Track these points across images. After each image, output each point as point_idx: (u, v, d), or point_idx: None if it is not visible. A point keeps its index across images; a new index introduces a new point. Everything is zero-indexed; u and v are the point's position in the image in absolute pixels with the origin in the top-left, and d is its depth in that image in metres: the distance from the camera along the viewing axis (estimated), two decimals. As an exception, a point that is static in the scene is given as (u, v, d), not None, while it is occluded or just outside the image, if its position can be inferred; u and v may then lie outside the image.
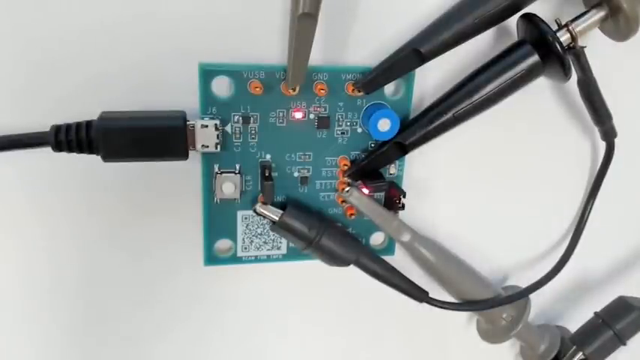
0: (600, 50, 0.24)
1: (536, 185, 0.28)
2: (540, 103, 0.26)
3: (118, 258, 0.24)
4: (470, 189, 0.27)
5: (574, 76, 0.24)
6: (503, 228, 0.28)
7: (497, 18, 0.22)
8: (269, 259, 0.25)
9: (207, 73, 0.21)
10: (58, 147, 0.20)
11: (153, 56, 0.21)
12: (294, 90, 0.22)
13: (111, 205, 0.23)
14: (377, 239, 0.26)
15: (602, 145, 0.27)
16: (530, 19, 0.22)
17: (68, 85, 0.21)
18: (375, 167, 0.24)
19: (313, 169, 0.24)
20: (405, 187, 0.25)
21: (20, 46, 0.20)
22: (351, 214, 0.24)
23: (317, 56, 0.22)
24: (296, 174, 0.24)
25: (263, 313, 0.27)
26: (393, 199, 0.24)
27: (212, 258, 0.24)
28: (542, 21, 0.22)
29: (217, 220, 0.23)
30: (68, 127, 0.20)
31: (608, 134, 0.26)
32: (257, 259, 0.25)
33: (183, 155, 0.21)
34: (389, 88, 0.23)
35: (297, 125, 0.23)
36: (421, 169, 0.26)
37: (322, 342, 0.28)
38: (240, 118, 0.22)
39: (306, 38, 0.19)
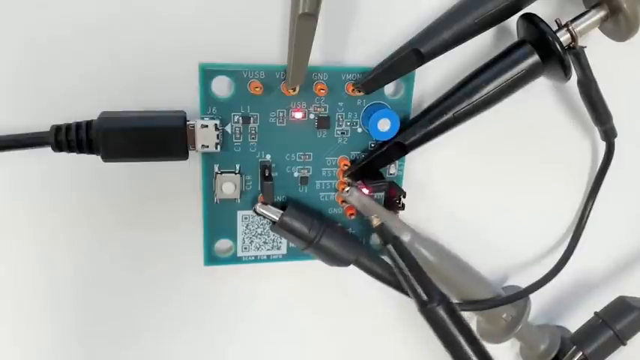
0: (600, 50, 0.24)
1: (536, 185, 0.28)
2: (540, 103, 0.26)
3: (118, 258, 0.24)
4: (470, 189, 0.27)
5: (574, 76, 0.24)
6: (503, 228, 0.28)
7: (497, 18, 0.22)
8: (269, 259, 0.25)
9: (207, 73, 0.21)
10: (58, 147, 0.20)
11: (153, 56, 0.21)
12: (294, 90, 0.22)
13: (111, 205, 0.23)
14: (377, 239, 0.26)
15: (602, 145, 0.27)
16: (530, 19, 0.22)
17: (68, 85, 0.21)
18: (375, 167, 0.24)
19: (313, 169, 0.24)
20: (405, 187, 0.25)
21: (20, 46, 0.20)
22: (351, 214, 0.24)
23: (317, 56, 0.22)
24: (296, 174, 0.24)
25: (263, 313, 0.27)
26: (393, 199, 0.24)
27: (212, 258, 0.24)
28: (542, 21, 0.22)
29: (217, 220, 0.23)
30: (68, 127, 0.20)
31: (608, 134, 0.26)
32: (257, 259, 0.25)
33: (184, 155, 0.21)
34: (389, 88, 0.23)
35: (297, 125, 0.23)
36: (421, 169, 0.26)
37: (322, 342, 0.28)
38: (240, 118, 0.22)
39: (306, 38, 0.19)
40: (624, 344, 0.27)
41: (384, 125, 0.22)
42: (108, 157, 0.20)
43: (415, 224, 0.26)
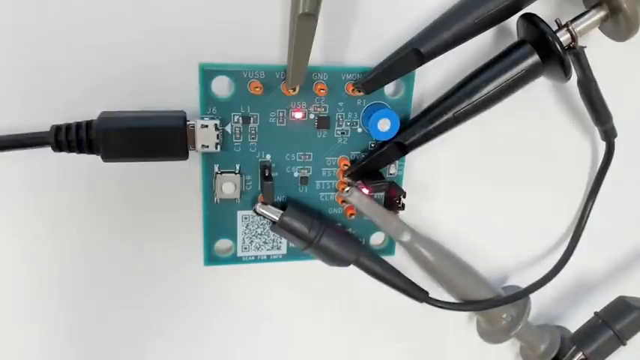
0: (600, 50, 0.24)
1: (536, 185, 0.28)
2: (540, 103, 0.26)
3: (118, 258, 0.24)
4: (470, 189, 0.27)
5: (574, 76, 0.24)
6: (503, 228, 0.28)
7: (497, 18, 0.22)
8: (269, 259, 0.25)
9: (207, 73, 0.21)
10: (58, 147, 0.20)
11: (153, 56, 0.21)
12: (294, 90, 0.22)
13: (111, 206, 0.23)
14: (377, 239, 0.26)
15: (602, 145, 0.27)
16: (530, 19, 0.22)
17: (68, 85, 0.21)
18: (375, 167, 0.24)
19: (313, 169, 0.24)
20: (405, 187, 0.25)
21: (20, 46, 0.20)
22: (351, 214, 0.24)
23: (317, 56, 0.22)
24: (296, 174, 0.24)
25: (263, 313, 0.27)
26: (393, 199, 0.24)
27: (212, 258, 0.24)
28: (542, 21, 0.22)
29: (217, 220, 0.23)
30: (68, 127, 0.20)
31: (608, 134, 0.26)
32: (257, 259, 0.25)
33: (184, 155, 0.21)
34: (389, 88, 0.23)
35: (297, 125, 0.23)
36: (421, 169, 0.26)
37: (322, 342, 0.28)
38: (240, 118, 0.22)
39: (306, 38, 0.19)
40: (624, 344, 0.27)
41: (384, 125, 0.22)
42: (108, 157, 0.20)
43: (415, 224, 0.25)
